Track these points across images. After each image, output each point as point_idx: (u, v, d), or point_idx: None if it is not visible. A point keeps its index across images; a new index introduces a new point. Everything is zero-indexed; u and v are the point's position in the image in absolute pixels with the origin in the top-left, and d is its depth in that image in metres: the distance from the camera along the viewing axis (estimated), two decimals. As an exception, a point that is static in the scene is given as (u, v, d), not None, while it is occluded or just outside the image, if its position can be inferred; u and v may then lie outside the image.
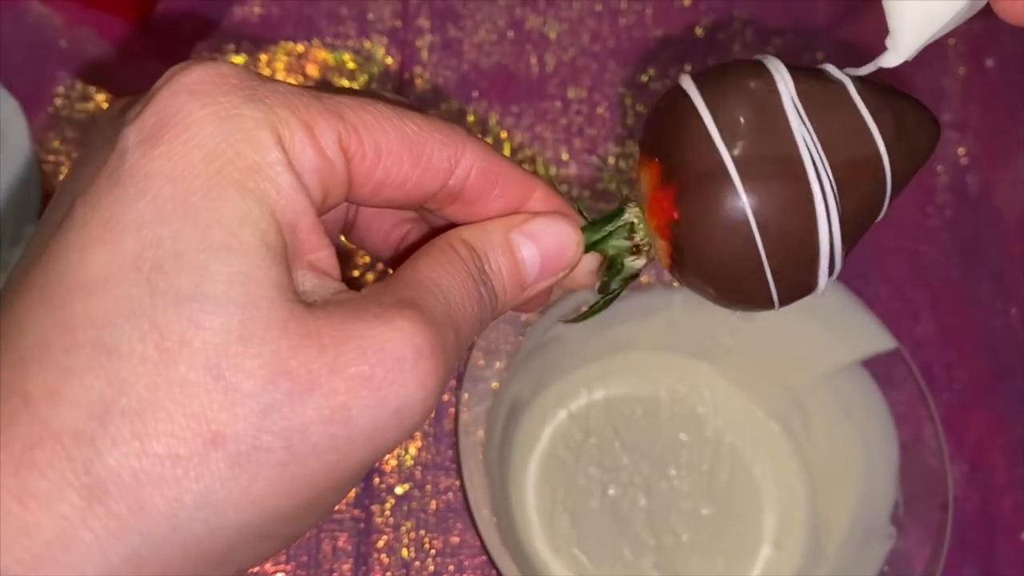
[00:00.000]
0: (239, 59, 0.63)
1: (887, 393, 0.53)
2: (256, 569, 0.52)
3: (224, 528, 0.25)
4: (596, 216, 0.34)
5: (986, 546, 0.57)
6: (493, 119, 0.63)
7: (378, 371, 0.26)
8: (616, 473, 0.56)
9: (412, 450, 0.55)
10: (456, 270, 0.29)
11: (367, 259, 0.58)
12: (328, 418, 0.26)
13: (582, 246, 0.33)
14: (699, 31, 0.67)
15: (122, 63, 0.63)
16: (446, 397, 0.55)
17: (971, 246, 0.63)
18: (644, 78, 0.65)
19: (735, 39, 0.67)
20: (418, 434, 0.56)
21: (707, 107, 0.31)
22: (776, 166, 0.30)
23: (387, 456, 0.53)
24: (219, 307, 0.25)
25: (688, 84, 0.32)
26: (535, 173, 0.61)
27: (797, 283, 0.32)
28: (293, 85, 0.28)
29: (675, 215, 0.31)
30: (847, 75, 0.32)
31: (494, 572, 0.49)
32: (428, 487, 0.55)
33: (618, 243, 0.34)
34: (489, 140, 0.62)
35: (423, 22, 0.65)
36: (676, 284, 0.35)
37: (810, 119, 0.31)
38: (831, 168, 0.31)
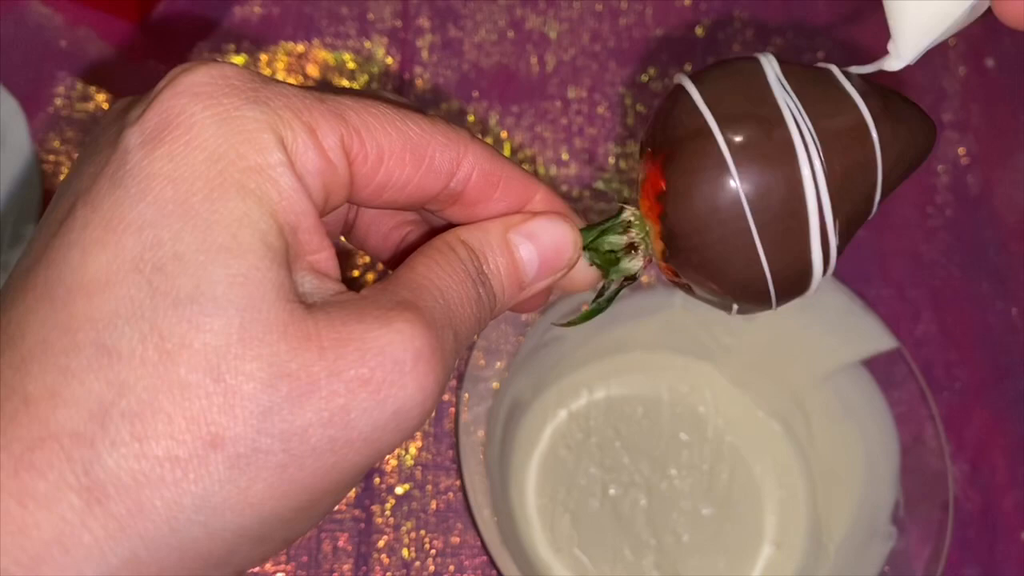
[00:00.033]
0: (239, 59, 0.63)
1: (888, 393, 0.53)
2: (256, 569, 0.52)
3: (222, 530, 0.25)
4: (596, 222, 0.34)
5: (987, 546, 0.57)
6: (493, 119, 0.63)
7: (377, 374, 0.26)
8: (617, 473, 0.56)
9: (412, 450, 0.55)
10: (454, 271, 0.29)
11: (367, 259, 0.58)
12: (327, 421, 0.26)
13: (580, 246, 0.33)
14: (699, 31, 0.67)
15: (122, 63, 0.63)
16: (446, 397, 0.55)
17: (971, 246, 0.63)
18: (644, 78, 0.65)
19: (735, 39, 0.67)
20: (418, 434, 0.56)
21: (693, 84, 0.32)
22: (758, 124, 0.31)
23: (387, 456, 0.53)
24: (219, 309, 0.25)
25: (682, 78, 0.32)
26: (536, 175, 0.62)
27: (788, 255, 0.31)
28: (296, 87, 0.28)
29: (662, 185, 0.32)
30: (838, 68, 0.32)
31: (494, 572, 0.49)
32: (428, 487, 0.55)
33: (614, 239, 0.34)
34: (489, 140, 0.62)
35: (423, 22, 0.65)
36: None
37: (793, 91, 0.31)
38: (814, 130, 0.31)
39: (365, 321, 0.26)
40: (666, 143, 0.32)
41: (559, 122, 0.64)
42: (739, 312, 0.33)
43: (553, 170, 0.63)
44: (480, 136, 0.62)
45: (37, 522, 0.24)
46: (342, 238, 0.35)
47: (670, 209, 0.31)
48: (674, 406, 0.58)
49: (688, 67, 0.66)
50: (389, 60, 0.64)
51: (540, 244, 0.32)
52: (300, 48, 0.64)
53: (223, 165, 0.26)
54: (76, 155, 0.59)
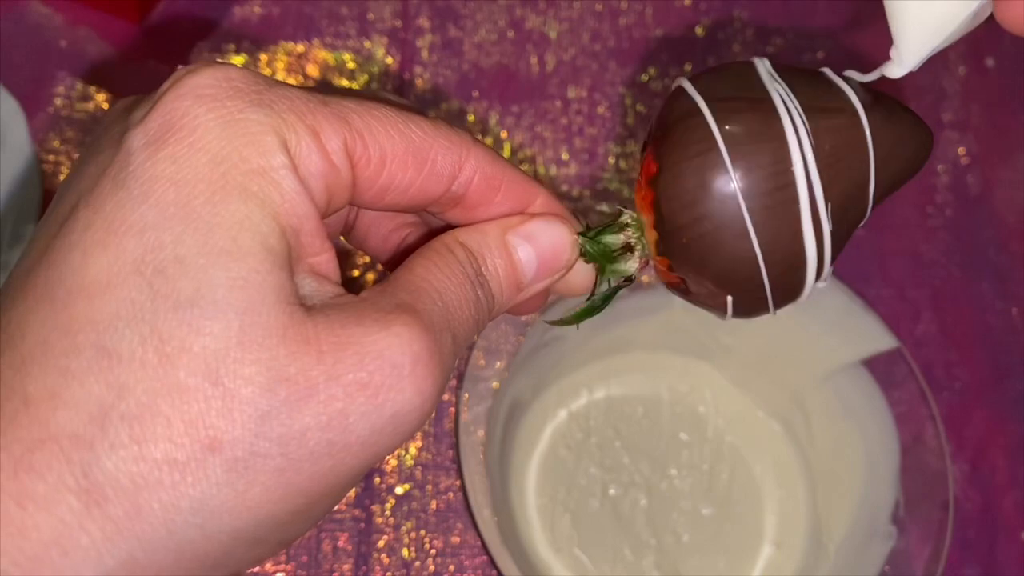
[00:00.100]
0: (239, 59, 0.63)
1: (888, 393, 0.53)
2: (256, 569, 0.52)
3: (219, 533, 0.25)
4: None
5: (987, 545, 0.57)
6: (493, 119, 0.63)
7: (376, 378, 0.26)
8: (617, 473, 0.56)
9: (412, 450, 0.55)
10: (453, 273, 0.29)
11: (367, 259, 0.58)
12: (325, 425, 0.26)
13: (577, 247, 0.33)
14: (699, 31, 0.67)
15: (122, 63, 0.63)
16: (446, 397, 0.55)
17: (971, 246, 0.63)
18: (644, 78, 0.65)
19: (735, 39, 0.67)
20: (418, 434, 0.56)
21: (689, 81, 0.32)
22: (746, 102, 0.31)
23: (387, 456, 0.53)
24: (219, 312, 0.25)
25: (681, 79, 0.33)
26: (536, 175, 0.62)
27: (779, 233, 0.31)
28: (300, 89, 0.28)
29: (654, 168, 0.32)
30: (833, 71, 0.32)
31: (494, 572, 0.49)
32: (428, 487, 0.55)
33: (611, 239, 0.34)
34: (489, 140, 0.62)
35: (423, 22, 0.65)
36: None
37: (784, 81, 0.31)
38: (802, 110, 0.31)
39: (364, 324, 0.26)
40: (659, 130, 0.32)
41: (559, 122, 0.64)
42: (735, 311, 0.33)
43: (553, 170, 0.63)
44: (480, 136, 0.62)
45: (36, 524, 0.24)
46: (342, 238, 0.35)
47: (661, 190, 0.31)
48: (674, 406, 0.58)
49: (688, 67, 0.66)
50: (389, 60, 0.64)
51: (538, 246, 0.32)
52: (300, 48, 0.64)
53: (226, 168, 0.26)
54: (76, 155, 0.59)
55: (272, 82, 0.28)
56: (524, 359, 0.53)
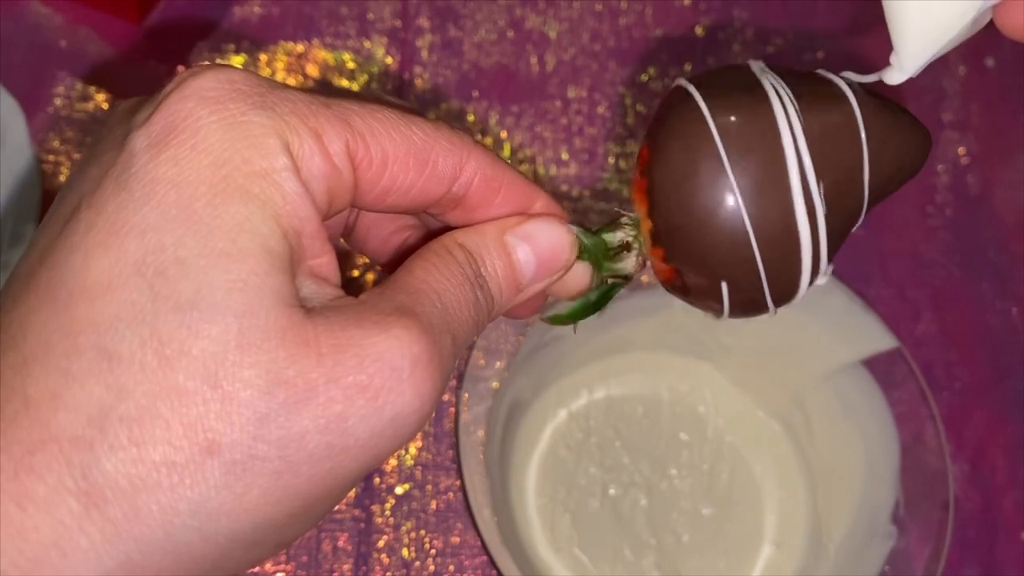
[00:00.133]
0: (239, 59, 0.63)
1: (888, 393, 0.53)
2: (256, 569, 0.52)
3: (216, 535, 0.25)
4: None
5: (987, 545, 0.57)
6: (493, 119, 0.63)
7: (375, 380, 0.26)
8: (617, 473, 0.56)
9: (412, 450, 0.55)
10: (452, 274, 0.29)
11: (366, 260, 0.58)
12: (324, 428, 0.26)
13: (576, 248, 0.33)
14: (699, 31, 0.67)
15: (122, 63, 0.63)
16: (446, 397, 0.55)
17: (971, 246, 0.63)
18: (644, 78, 0.65)
19: (735, 39, 0.67)
20: (419, 434, 0.56)
21: (684, 79, 0.33)
22: (738, 88, 0.31)
23: (386, 459, 0.53)
24: (218, 315, 0.25)
25: (678, 80, 0.33)
26: (536, 175, 0.62)
27: (771, 209, 0.31)
28: (303, 92, 0.28)
29: (647, 155, 0.32)
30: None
31: (494, 572, 0.49)
32: (428, 487, 0.55)
33: (608, 238, 0.34)
34: (489, 140, 0.62)
35: (423, 22, 0.65)
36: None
37: (777, 75, 0.32)
38: (792, 95, 0.31)
39: (363, 327, 0.26)
40: (654, 122, 0.33)
41: (559, 122, 0.64)
42: (731, 305, 0.33)
43: (553, 170, 0.63)
44: (480, 136, 0.62)
45: (36, 525, 0.24)
46: (342, 240, 0.35)
47: (654, 174, 0.32)
48: (674, 406, 0.58)
49: (688, 67, 0.66)
50: (389, 60, 0.64)
51: (537, 246, 0.32)
52: (300, 48, 0.64)
53: (228, 170, 0.26)
54: (76, 155, 0.59)
55: (275, 84, 0.28)
56: (524, 359, 0.53)
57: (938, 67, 0.67)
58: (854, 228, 0.33)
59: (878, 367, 0.53)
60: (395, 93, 0.64)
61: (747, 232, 0.31)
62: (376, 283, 0.58)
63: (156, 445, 0.24)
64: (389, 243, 0.34)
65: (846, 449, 0.55)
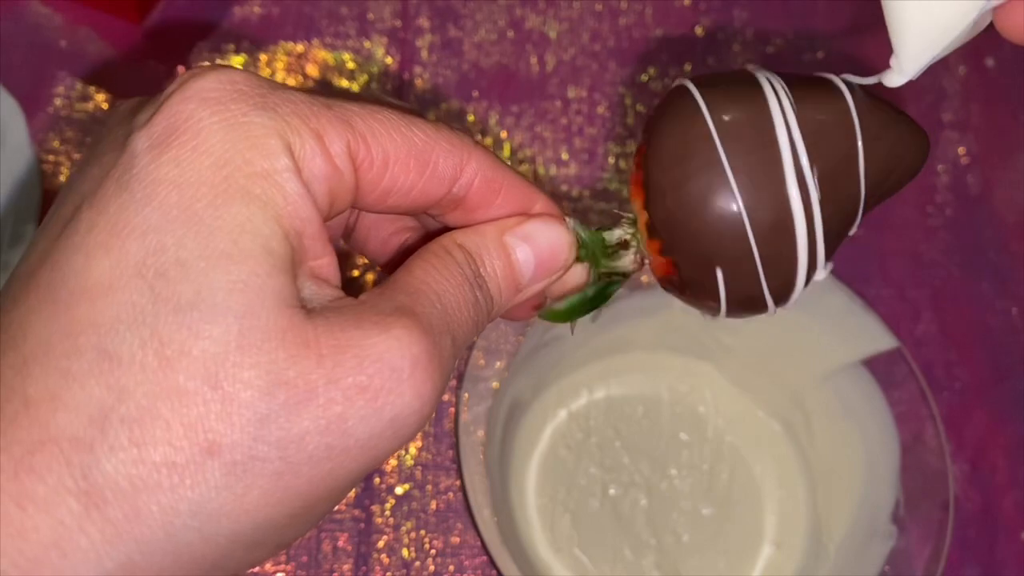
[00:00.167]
0: (239, 59, 0.63)
1: (888, 392, 0.53)
2: (256, 569, 0.52)
3: (217, 536, 0.25)
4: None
5: (987, 545, 0.57)
6: (493, 119, 0.63)
7: (375, 381, 0.26)
8: (617, 473, 0.56)
9: (412, 450, 0.55)
10: (452, 274, 0.29)
11: (366, 260, 0.58)
12: (324, 429, 0.26)
13: (575, 247, 0.33)
14: (699, 31, 0.67)
15: (122, 63, 0.63)
16: (446, 397, 0.55)
17: (971, 246, 0.63)
18: (644, 78, 0.65)
19: (735, 39, 0.67)
20: (419, 434, 0.56)
21: (682, 79, 0.33)
22: (734, 82, 0.32)
23: (386, 459, 0.53)
24: (218, 316, 0.25)
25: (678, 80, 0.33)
26: (536, 175, 0.62)
27: (764, 192, 0.31)
28: (304, 93, 0.28)
29: (643, 148, 0.32)
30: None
31: (494, 572, 0.49)
32: (428, 487, 0.55)
33: (607, 234, 0.34)
34: (489, 140, 0.62)
35: (423, 22, 0.65)
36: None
37: (776, 74, 0.32)
38: (787, 87, 0.31)
39: (363, 327, 0.26)
40: (650, 118, 0.33)
41: (559, 122, 0.64)
42: (728, 300, 0.33)
43: (553, 170, 0.63)
44: (480, 136, 0.62)
45: (36, 525, 0.24)
46: (342, 241, 0.35)
47: (648, 163, 0.32)
48: (674, 406, 0.58)
49: (688, 67, 0.66)
50: (389, 60, 0.64)
51: (536, 246, 0.32)
52: (300, 48, 0.64)
53: (229, 171, 0.26)
54: (76, 155, 0.59)
55: (276, 86, 0.28)
56: (524, 359, 0.53)
57: (938, 67, 0.67)
58: (854, 225, 0.33)
59: (878, 367, 0.53)
60: (395, 93, 0.64)
61: (741, 214, 0.31)
62: (376, 283, 0.58)
63: (156, 446, 0.24)
64: (389, 244, 0.34)
65: (846, 449, 0.55)
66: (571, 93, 0.65)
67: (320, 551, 0.53)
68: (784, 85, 0.31)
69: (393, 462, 0.55)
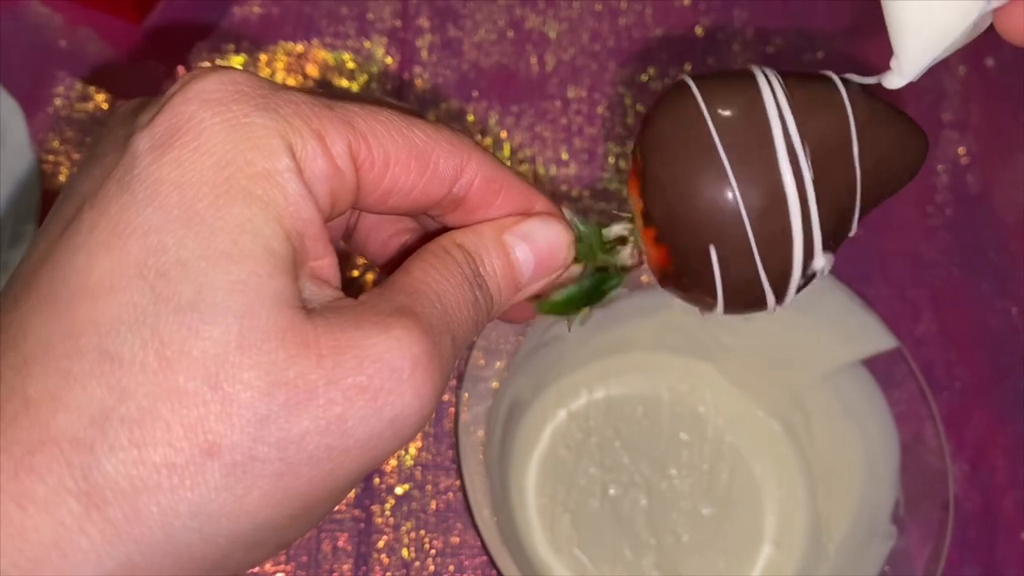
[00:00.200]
0: (238, 59, 0.63)
1: (888, 392, 0.53)
2: (256, 569, 0.52)
3: (216, 536, 0.25)
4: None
5: (987, 545, 0.57)
6: (493, 119, 0.63)
7: (375, 381, 0.26)
8: (617, 473, 0.56)
9: (412, 450, 0.55)
10: (451, 274, 0.30)
11: (366, 260, 0.58)
12: (324, 429, 0.26)
13: (574, 246, 0.33)
14: (699, 31, 0.67)
15: (122, 63, 0.63)
16: (446, 397, 0.55)
17: (971, 246, 0.63)
18: (644, 78, 0.65)
19: (735, 39, 0.67)
20: (418, 434, 0.56)
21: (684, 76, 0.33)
22: (730, 75, 0.32)
23: (386, 459, 0.53)
24: (218, 316, 0.25)
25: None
26: (536, 178, 0.62)
27: (758, 175, 0.31)
28: (305, 94, 0.28)
29: (638, 138, 0.33)
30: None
31: (494, 572, 0.49)
32: (428, 487, 0.55)
33: (606, 230, 0.34)
34: (489, 140, 0.62)
35: (423, 22, 0.65)
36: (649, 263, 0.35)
37: (777, 71, 0.32)
38: (779, 75, 0.32)
39: (363, 327, 0.26)
40: (647, 114, 0.33)
41: (559, 122, 0.64)
42: (725, 289, 0.32)
43: (553, 170, 0.63)
44: (480, 136, 0.62)
45: (36, 525, 0.24)
46: (342, 242, 0.35)
47: (643, 149, 0.32)
48: (674, 406, 0.58)
49: (688, 67, 0.66)
50: (389, 60, 0.64)
51: (535, 245, 0.32)
52: (299, 48, 0.64)
53: (231, 171, 0.26)
54: (76, 155, 0.59)
55: (277, 87, 0.28)
56: (524, 359, 0.53)
57: (938, 67, 0.67)
58: (853, 220, 0.33)
59: (878, 367, 0.53)
60: (395, 93, 0.64)
61: (734, 194, 0.31)
62: (376, 284, 0.58)
63: (157, 446, 0.24)
64: (389, 246, 0.34)
65: (846, 449, 0.55)
66: (571, 93, 0.65)
67: (320, 551, 0.53)
68: (778, 76, 0.32)
69: (393, 462, 0.55)
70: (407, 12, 0.66)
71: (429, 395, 0.27)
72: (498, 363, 0.52)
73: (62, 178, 0.59)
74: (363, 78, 0.64)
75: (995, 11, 0.30)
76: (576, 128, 0.64)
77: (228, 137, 0.26)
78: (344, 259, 0.56)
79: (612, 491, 0.56)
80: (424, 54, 0.65)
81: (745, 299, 0.33)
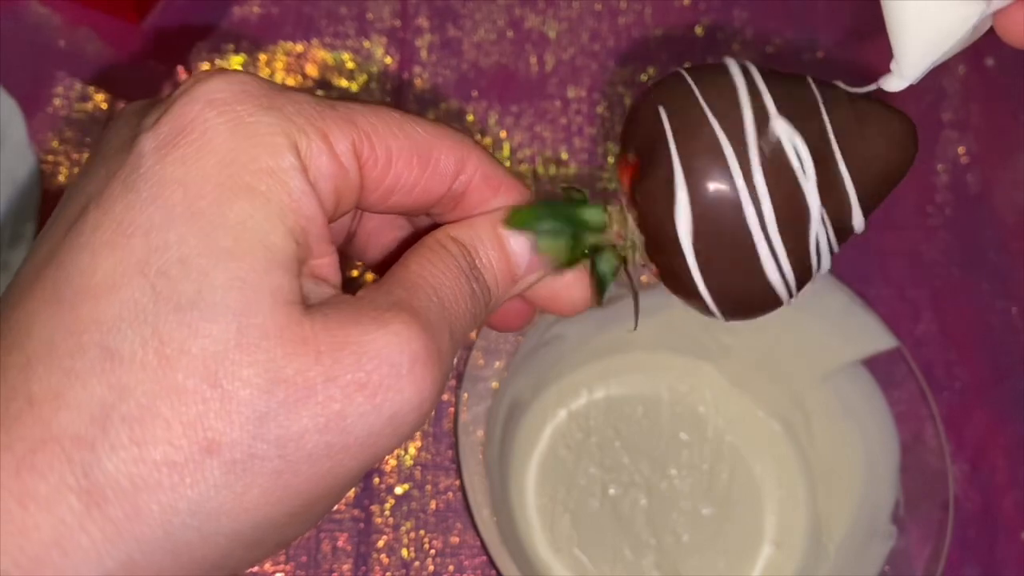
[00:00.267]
0: (238, 59, 0.63)
1: (888, 392, 0.53)
2: (255, 569, 0.52)
3: (217, 535, 0.25)
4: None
5: (987, 545, 0.57)
6: (493, 119, 0.63)
7: (374, 378, 0.26)
8: (617, 473, 0.56)
9: (412, 450, 0.55)
10: (447, 267, 0.30)
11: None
12: (323, 426, 0.26)
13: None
14: (699, 31, 0.67)
15: (121, 63, 0.63)
16: (445, 397, 0.55)
17: (971, 246, 0.63)
18: (644, 78, 0.65)
19: (735, 39, 0.67)
20: (418, 434, 0.56)
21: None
22: (707, 69, 0.32)
23: (387, 456, 0.53)
24: (218, 314, 0.25)
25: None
26: (536, 177, 0.62)
27: (717, 178, 0.30)
28: (309, 94, 0.29)
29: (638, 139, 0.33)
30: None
31: (494, 572, 0.49)
32: (428, 487, 0.55)
33: (593, 214, 0.33)
34: (488, 140, 0.62)
35: (422, 22, 0.65)
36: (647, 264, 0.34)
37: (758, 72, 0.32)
38: (756, 69, 0.32)
39: (361, 323, 0.26)
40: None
41: (559, 122, 0.64)
42: (706, 284, 0.32)
43: (553, 170, 0.63)
44: (479, 136, 0.62)
45: (37, 524, 0.24)
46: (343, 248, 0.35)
47: (631, 126, 0.33)
48: (674, 406, 0.58)
49: (687, 67, 0.66)
50: (388, 60, 0.64)
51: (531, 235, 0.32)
52: (299, 48, 0.64)
53: (234, 169, 0.26)
54: (76, 155, 0.59)
55: (281, 88, 0.28)
56: (523, 359, 0.53)
57: (938, 67, 0.67)
58: (852, 219, 0.32)
59: (878, 367, 0.53)
60: (394, 93, 0.64)
61: (696, 192, 0.30)
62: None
63: (156, 444, 0.25)
64: (389, 250, 0.35)
65: (846, 449, 0.55)
66: (571, 93, 0.65)
67: (319, 551, 0.53)
68: (755, 66, 0.32)
69: (392, 462, 0.55)
70: (406, 12, 0.66)
71: (429, 390, 0.27)
72: (498, 363, 0.52)
73: (62, 178, 0.59)
74: (363, 78, 0.64)
75: (995, 14, 0.30)
76: (576, 128, 0.64)
77: (232, 136, 0.27)
78: (344, 259, 0.56)
79: (612, 491, 0.56)
80: (423, 54, 0.65)
81: (735, 301, 0.33)
